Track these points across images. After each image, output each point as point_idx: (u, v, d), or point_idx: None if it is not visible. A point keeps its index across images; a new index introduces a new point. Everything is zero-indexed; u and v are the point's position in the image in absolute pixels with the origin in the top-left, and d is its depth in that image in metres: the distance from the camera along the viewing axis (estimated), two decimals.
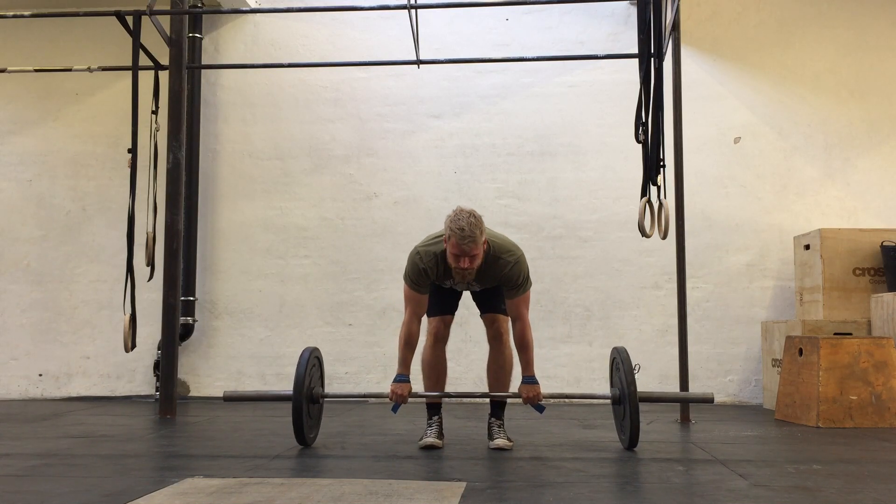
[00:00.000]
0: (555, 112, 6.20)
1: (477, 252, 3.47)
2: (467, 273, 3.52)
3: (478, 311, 3.93)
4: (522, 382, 3.67)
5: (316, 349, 3.79)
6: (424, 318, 3.79)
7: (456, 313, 3.91)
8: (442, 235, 3.57)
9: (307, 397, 3.66)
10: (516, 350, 3.71)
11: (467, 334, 5.56)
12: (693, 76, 5.81)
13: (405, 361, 3.66)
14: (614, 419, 3.92)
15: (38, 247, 6.38)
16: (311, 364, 3.69)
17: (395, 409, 3.68)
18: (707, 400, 3.88)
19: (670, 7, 4.45)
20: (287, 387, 6.07)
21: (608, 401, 3.82)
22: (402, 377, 3.64)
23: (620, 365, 3.61)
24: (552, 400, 4.09)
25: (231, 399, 4.01)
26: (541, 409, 3.72)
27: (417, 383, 3.78)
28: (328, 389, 6.06)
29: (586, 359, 6.01)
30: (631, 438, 3.60)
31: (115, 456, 3.62)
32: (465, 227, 3.41)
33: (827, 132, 6.11)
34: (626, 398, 3.55)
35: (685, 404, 4.83)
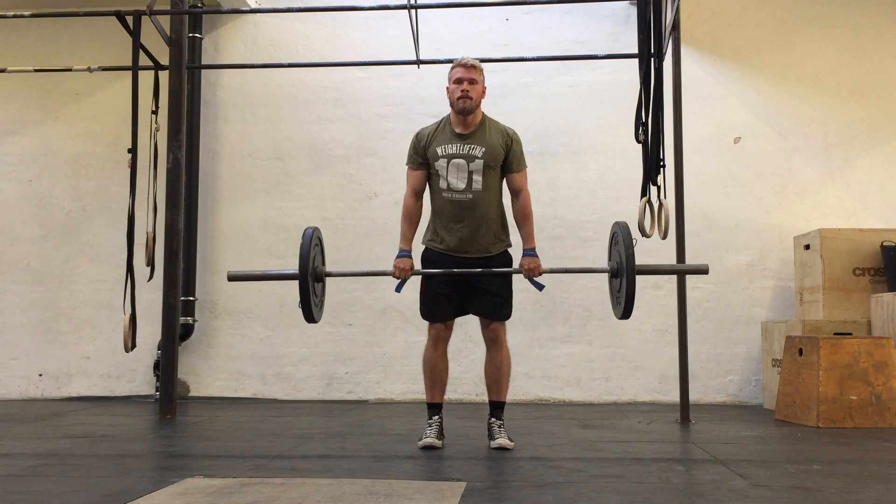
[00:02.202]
0: (555, 112, 6.20)
1: (477, 78, 3.74)
2: (468, 103, 3.68)
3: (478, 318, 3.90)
4: (524, 255, 3.70)
5: (317, 229, 3.74)
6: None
7: (454, 319, 3.89)
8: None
9: (312, 274, 3.64)
10: (518, 221, 3.79)
11: (467, 334, 5.55)
12: (693, 76, 5.81)
13: (405, 237, 3.76)
14: (610, 293, 3.87)
15: (38, 247, 6.38)
16: (313, 243, 3.67)
17: (398, 287, 3.71)
18: (702, 270, 3.86)
19: (670, 7, 4.45)
20: (287, 385, 6.12)
21: (606, 273, 3.77)
22: (405, 252, 3.72)
23: (620, 238, 3.58)
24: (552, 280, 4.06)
25: (236, 278, 3.96)
26: (540, 286, 3.71)
27: (418, 365, 3.77)
28: (328, 387, 6.09)
29: (586, 359, 6.01)
30: (625, 308, 3.55)
31: (115, 456, 3.63)
32: (468, 57, 3.84)
33: (827, 132, 6.11)
34: (623, 269, 3.53)
35: (685, 404, 4.83)
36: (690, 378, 5.00)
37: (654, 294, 5.94)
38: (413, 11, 5.07)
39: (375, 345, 6.09)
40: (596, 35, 6.19)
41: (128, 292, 4.92)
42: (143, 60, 5.16)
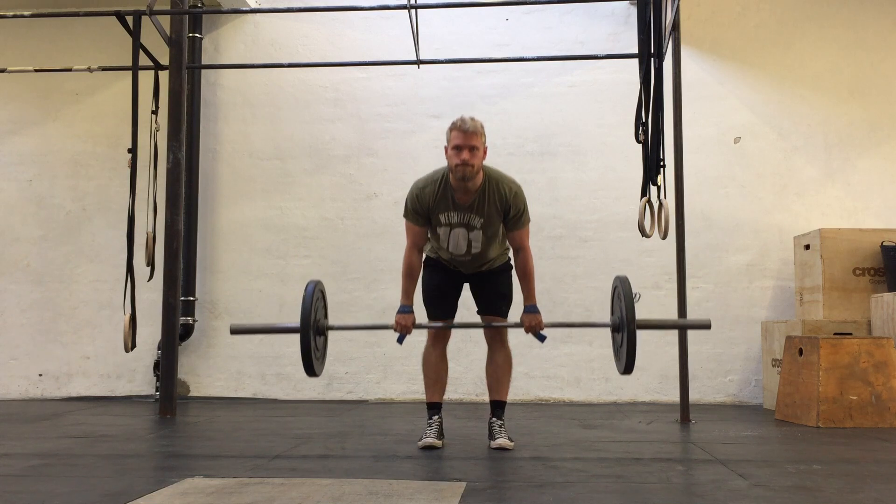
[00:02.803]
0: (555, 112, 6.20)
1: (478, 144, 3.53)
2: (468, 171, 3.52)
3: (476, 310, 3.92)
4: (524, 311, 3.66)
5: (319, 282, 3.74)
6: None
7: (456, 314, 3.91)
8: (442, 168, 3.67)
9: (314, 329, 3.64)
10: (519, 279, 3.72)
11: (467, 334, 5.56)
12: (693, 76, 5.81)
13: (407, 292, 3.69)
14: (613, 348, 3.86)
15: (38, 247, 6.38)
16: (315, 297, 3.67)
17: (400, 339, 3.69)
18: (704, 325, 3.85)
19: (670, 7, 4.45)
20: (287, 385, 6.11)
21: (608, 328, 3.78)
22: (406, 308, 3.66)
23: (621, 293, 3.59)
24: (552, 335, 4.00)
25: (238, 332, 3.96)
26: (542, 338, 3.70)
27: (417, 365, 3.78)
28: (328, 387, 6.09)
29: (586, 359, 6.01)
30: (626, 364, 3.54)
31: (115, 456, 3.63)
32: (467, 119, 3.56)
33: (827, 132, 6.11)
34: (624, 324, 3.53)
35: (685, 404, 4.83)
36: (690, 378, 5.00)
37: (654, 294, 5.94)
38: (413, 11, 5.07)
39: (375, 345, 6.09)
40: (596, 35, 6.19)
41: (128, 292, 4.92)
42: (143, 60, 5.16)
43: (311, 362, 3.61)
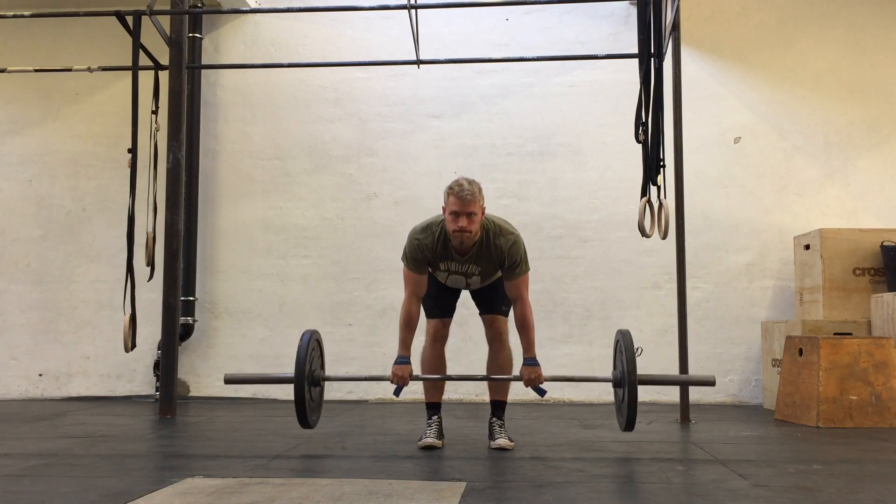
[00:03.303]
0: (555, 112, 6.20)
1: (476, 210, 3.50)
2: (465, 237, 3.51)
3: (477, 311, 3.93)
4: (524, 364, 3.65)
5: (316, 332, 3.77)
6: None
7: (455, 314, 3.91)
8: (439, 217, 3.63)
9: (308, 379, 3.65)
10: (518, 331, 3.69)
11: (467, 334, 5.56)
12: (693, 76, 5.81)
13: (405, 343, 3.66)
14: (615, 402, 3.88)
15: (38, 247, 6.38)
16: (311, 347, 3.68)
17: (397, 392, 3.68)
18: (709, 382, 3.84)
19: (670, 7, 4.45)
20: (287, 385, 6.10)
21: (609, 383, 3.78)
22: (403, 359, 3.64)
23: (622, 348, 3.59)
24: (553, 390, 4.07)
25: (232, 381, 3.98)
26: (542, 391, 3.70)
27: (417, 366, 3.78)
28: (328, 387, 6.08)
29: (586, 359, 6.00)
30: (628, 421, 3.56)
31: (115, 456, 3.63)
32: (465, 184, 3.51)
33: (827, 132, 6.11)
34: (625, 380, 3.53)
35: (685, 404, 4.83)
36: None
37: (654, 294, 5.94)
38: (413, 11, 5.07)
39: (375, 345, 6.09)
40: (596, 35, 6.19)
41: (128, 292, 4.92)
42: (143, 60, 5.15)
43: (306, 413, 3.62)
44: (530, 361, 3.63)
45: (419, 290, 3.70)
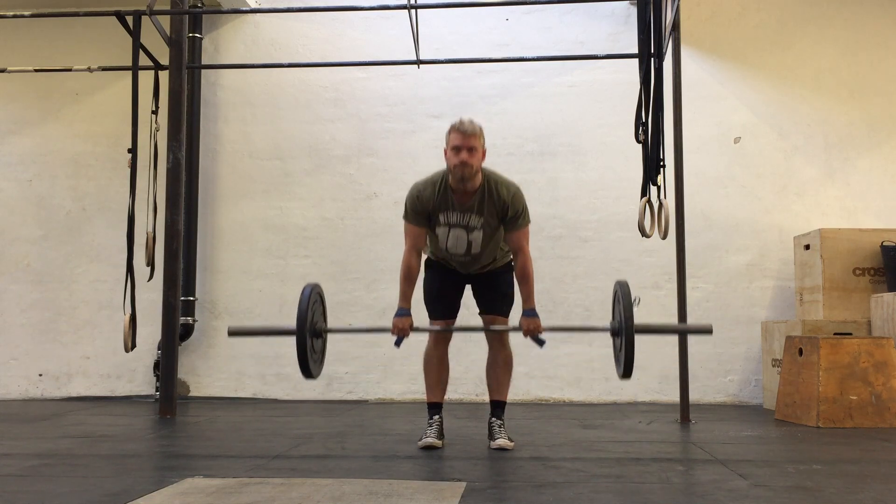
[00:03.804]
0: (555, 112, 6.20)
1: (476, 145, 3.56)
2: (467, 171, 3.53)
3: (477, 310, 3.92)
4: (523, 315, 3.64)
5: (317, 285, 3.73)
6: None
7: (457, 314, 3.90)
8: (442, 170, 3.68)
9: (310, 331, 3.63)
10: (518, 282, 3.71)
11: (467, 334, 5.55)
12: (693, 76, 5.81)
13: (405, 295, 3.67)
14: (613, 352, 3.86)
15: (38, 247, 6.38)
16: (312, 299, 3.67)
17: (397, 343, 3.67)
18: (705, 330, 3.82)
19: (670, 7, 4.45)
20: (287, 385, 6.11)
21: (607, 332, 3.77)
22: (404, 311, 3.64)
23: (620, 297, 3.58)
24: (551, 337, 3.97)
25: (236, 334, 3.95)
26: (541, 342, 3.69)
27: (418, 366, 3.78)
28: (328, 387, 6.09)
29: (586, 359, 6.00)
30: (625, 368, 3.52)
31: (115, 456, 3.63)
32: (465, 120, 3.59)
33: (827, 132, 6.11)
34: (623, 329, 3.53)
35: (685, 404, 4.83)
36: (690, 378, 4.99)
37: (654, 294, 5.94)
38: (413, 11, 5.07)
39: (375, 345, 6.09)
40: (596, 35, 6.19)
41: (128, 292, 4.92)
42: (143, 60, 5.16)
43: (308, 364, 3.61)
44: (530, 312, 3.64)
45: (418, 243, 3.72)
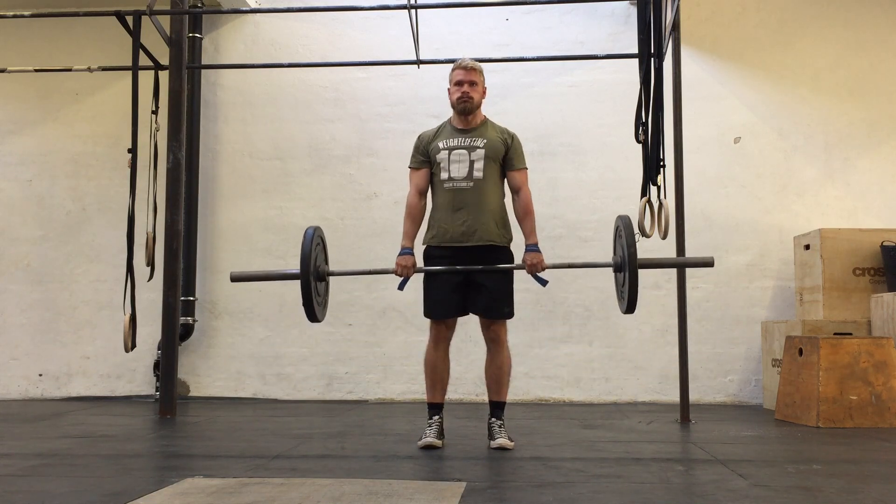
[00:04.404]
0: (555, 112, 6.20)
1: (477, 80, 3.81)
2: (468, 104, 3.76)
3: (477, 314, 3.90)
4: (526, 251, 3.70)
5: (318, 228, 3.71)
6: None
7: (456, 316, 3.89)
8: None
9: (314, 274, 3.62)
10: (520, 219, 3.80)
11: (467, 334, 5.54)
12: (693, 76, 5.81)
13: (408, 234, 3.78)
14: (615, 287, 3.84)
15: (38, 247, 6.38)
16: (315, 242, 3.66)
17: (401, 285, 3.71)
18: (707, 263, 3.80)
19: (670, 7, 4.45)
20: (287, 385, 6.11)
21: (610, 267, 3.74)
22: (407, 250, 3.73)
23: (622, 232, 3.56)
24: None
25: (238, 279, 3.93)
26: (543, 281, 3.70)
27: (419, 363, 3.77)
28: (328, 387, 6.09)
29: (586, 359, 6.01)
30: (629, 303, 3.51)
31: (115, 456, 3.63)
32: (467, 59, 3.91)
33: (827, 132, 6.11)
34: (626, 264, 3.51)
35: (685, 404, 4.82)
36: (690, 378, 5.00)
37: (654, 294, 5.94)
38: (413, 11, 5.07)
39: (375, 345, 6.09)
40: (596, 35, 6.19)
41: (128, 292, 4.92)
42: (144, 60, 5.15)
43: (313, 307, 3.60)
44: (532, 248, 3.69)
45: (421, 184, 3.86)
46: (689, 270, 4.94)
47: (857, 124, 6.10)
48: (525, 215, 3.79)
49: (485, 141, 3.79)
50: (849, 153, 6.09)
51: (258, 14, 6.33)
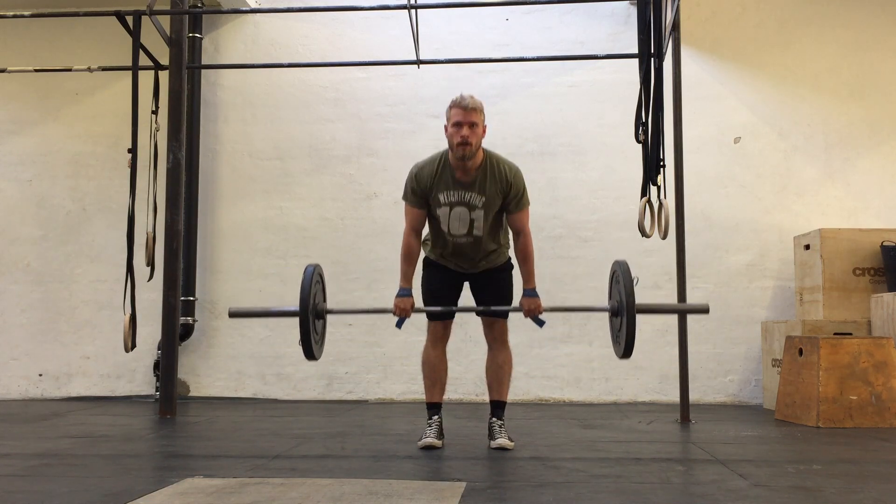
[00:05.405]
0: (555, 112, 6.20)
1: (477, 121, 3.57)
2: (468, 150, 3.53)
3: (476, 314, 3.91)
4: (524, 295, 3.66)
5: (318, 266, 3.72)
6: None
7: (454, 315, 3.90)
8: (443, 150, 3.69)
9: (312, 312, 3.63)
10: (519, 262, 3.73)
11: (467, 334, 5.55)
12: (693, 76, 5.81)
13: (406, 276, 3.69)
14: (611, 332, 3.85)
15: (38, 247, 6.38)
16: (314, 280, 3.67)
17: (399, 324, 3.70)
18: (702, 310, 3.82)
19: (670, 7, 4.45)
20: (287, 385, 6.11)
21: (606, 312, 3.76)
22: (405, 291, 3.66)
23: (620, 277, 3.57)
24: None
25: (236, 315, 3.95)
26: (541, 322, 3.70)
27: (418, 362, 3.77)
28: (328, 387, 6.09)
29: (586, 359, 6.01)
30: (625, 348, 3.52)
31: (115, 456, 3.63)
32: (466, 96, 3.61)
33: (827, 132, 6.11)
34: (623, 309, 3.52)
35: (685, 404, 4.83)
36: (690, 378, 4.99)
37: (654, 294, 5.94)
38: (413, 11, 5.07)
39: (375, 345, 6.09)
40: (596, 35, 6.19)
41: (128, 292, 4.92)
42: (144, 60, 5.16)
43: (311, 346, 3.61)
44: (530, 293, 3.66)
45: (418, 224, 3.72)
46: (688, 269, 4.93)
47: (857, 124, 6.10)
48: (524, 260, 3.71)
49: (483, 199, 3.64)
50: (849, 153, 6.09)
51: (258, 14, 6.33)
